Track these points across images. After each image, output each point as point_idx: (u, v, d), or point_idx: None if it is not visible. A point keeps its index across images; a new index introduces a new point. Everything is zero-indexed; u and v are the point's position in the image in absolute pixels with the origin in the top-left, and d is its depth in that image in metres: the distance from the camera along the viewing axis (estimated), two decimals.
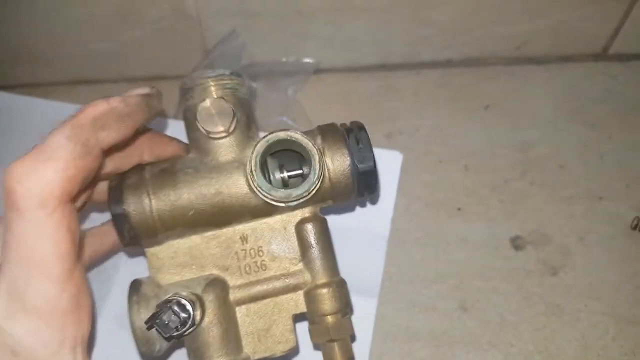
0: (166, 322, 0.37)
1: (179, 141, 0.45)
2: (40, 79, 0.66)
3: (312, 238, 0.42)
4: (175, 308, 0.37)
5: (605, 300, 0.52)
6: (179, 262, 0.42)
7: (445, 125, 0.62)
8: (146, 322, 0.38)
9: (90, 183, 0.36)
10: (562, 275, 0.53)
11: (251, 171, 0.40)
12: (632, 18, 0.60)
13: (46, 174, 0.31)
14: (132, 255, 0.54)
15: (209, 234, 0.42)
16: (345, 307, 0.42)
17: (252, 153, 0.40)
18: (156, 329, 0.37)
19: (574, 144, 0.60)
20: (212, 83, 0.43)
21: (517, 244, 0.55)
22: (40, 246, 0.32)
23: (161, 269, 0.42)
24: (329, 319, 0.41)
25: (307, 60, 0.64)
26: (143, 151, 0.42)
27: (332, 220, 0.55)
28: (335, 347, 0.41)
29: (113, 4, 0.59)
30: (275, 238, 0.43)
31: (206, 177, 0.41)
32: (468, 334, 0.51)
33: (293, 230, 0.43)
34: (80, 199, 0.39)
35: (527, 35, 0.62)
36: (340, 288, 0.42)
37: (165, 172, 0.41)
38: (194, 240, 0.42)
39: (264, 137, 0.41)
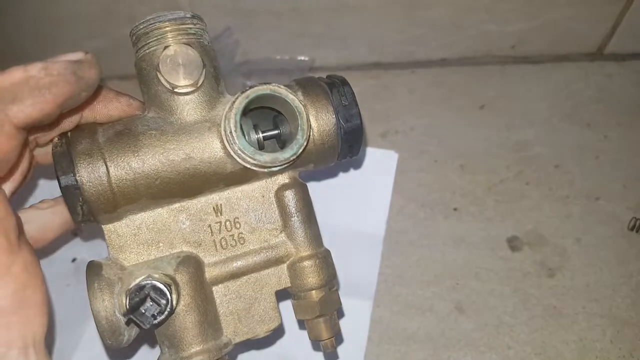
0: (143, 311, 0.33)
1: (131, 97, 0.38)
2: None
3: (293, 206, 0.38)
4: (153, 294, 0.33)
5: (603, 302, 0.51)
6: (143, 239, 0.37)
7: (440, 124, 0.61)
8: (125, 315, 0.34)
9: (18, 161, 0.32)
10: (559, 277, 0.53)
11: (230, 132, 0.35)
12: (628, 18, 0.60)
13: None
14: (86, 237, 0.53)
15: (177, 205, 0.37)
16: (331, 280, 0.39)
17: (231, 110, 0.35)
18: (135, 321, 0.34)
19: (569, 144, 0.59)
20: (172, 27, 0.36)
21: (513, 244, 0.54)
22: None
23: (123, 247, 0.36)
24: (315, 293, 0.38)
25: (301, 58, 0.63)
26: (85, 108, 0.36)
27: (326, 220, 0.54)
28: (322, 322, 0.38)
29: (102, 3, 0.57)
30: (254, 207, 0.38)
31: (173, 139, 0.35)
32: (465, 336, 0.50)
33: (273, 198, 0.39)
34: (13, 179, 0.35)
35: (522, 34, 0.62)
36: (326, 259, 0.39)
37: (123, 134, 0.35)
38: (160, 213, 0.37)
39: (242, 93, 0.35)
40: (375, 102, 0.63)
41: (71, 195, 0.34)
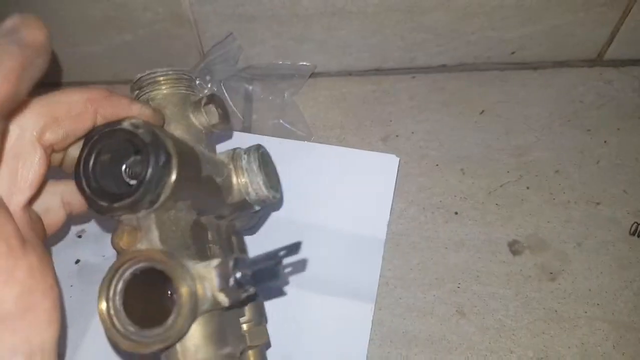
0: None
1: (145, 104, 0.37)
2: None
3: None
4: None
5: (605, 307, 0.51)
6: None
7: (441, 129, 0.61)
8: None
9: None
10: (560, 281, 0.52)
11: None
12: (627, 24, 0.60)
13: None
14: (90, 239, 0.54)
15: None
16: (260, 317, 0.42)
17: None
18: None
19: (569, 149, 0.60)
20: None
21: (514, 248, 0.54)
22: None
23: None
24: (244, 326, 0.40)
25: (303, 63, 0.64)
26: (97, 114, 0.34)
27: (327, 224, 0.54)
28: (251, 356, 0.40)
29: (103, 8, 0.58)
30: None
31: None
32: (466, 340, 0.50)
33: None
34: (24, 187, 0.32)
35: (522, 40, 0.62)
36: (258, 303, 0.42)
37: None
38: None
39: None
40: (376, 106, 0.63)
41: (157, 179, 0.33)
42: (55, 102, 0.32)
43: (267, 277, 0.34)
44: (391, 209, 0.56)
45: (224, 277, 0.32)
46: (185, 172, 0.35)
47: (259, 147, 0.45)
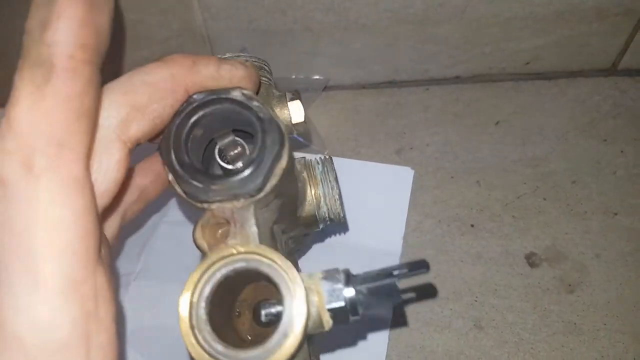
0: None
1: (238, 63, 0.32)
2: None
3: None
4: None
5: (624, 319, 0.51)
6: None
7: (455, 141, 0.61)
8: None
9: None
10: (579, 293, 0.52)
11: None
12: None
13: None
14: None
15: None
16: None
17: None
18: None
19: (586, 159, 0.59)
20: None
21: (532, 261, 0.54)
22: (27, 233, 0.21)
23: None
24: None
25: (316, 77, 0.64)
26: (186, 90, 0.29)
27: (342, 238, 0.54)
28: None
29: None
30: None
31: None
32: (484, 354, 0.49)
33: None
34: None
35: (536, 51, 0.62)
36: None
37: None
38: None
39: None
40: (390, 119, 0.63)
41: (272, 161, 0.29)
42: (133, 85, 0.27)
43: (383, 297, 0.28)
44: (406, 222, 0.55)
45: (334, 293, 0.27)
46: (289, 162, 0.30)
47: (331, 158, 0.41)
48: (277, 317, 0.27)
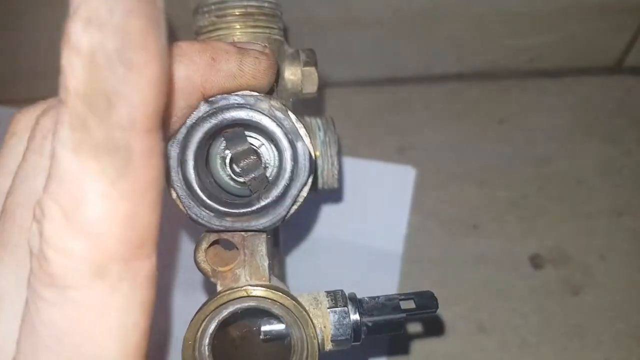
0: None
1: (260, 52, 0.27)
2: (41, 93, 0.65)
3: None
4: None
5: (629, 321, 0.50)
6: None
7: (458, 140, 0.60)
8: None
9: None
10: (583, 295, 0.51)
11: None
12: None
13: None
14: None
15: None
16: None
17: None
18: None
19: (591, 159, 0.58)
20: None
21: (536, 262, 0.53)
22: (93, 343, 0.18)
23: None
24: None
25: None
26: (203, 92, 0.26)
27: (343, 238, 0.53)
28: None
29: None
30: None
31: None
32: (488, 357, 0.49)
33: None
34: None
35: (540, 48, 0.61)
36: None
37: None
38: None
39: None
40: (391, 117, 0.62)
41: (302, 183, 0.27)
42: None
43: (388, 329, 0.28)
44: (408, 222, 0.54)
45: (340, 327, 0.27)
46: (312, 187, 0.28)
47: (332, 121, 0.37)
48: (278, 336, 0.27)
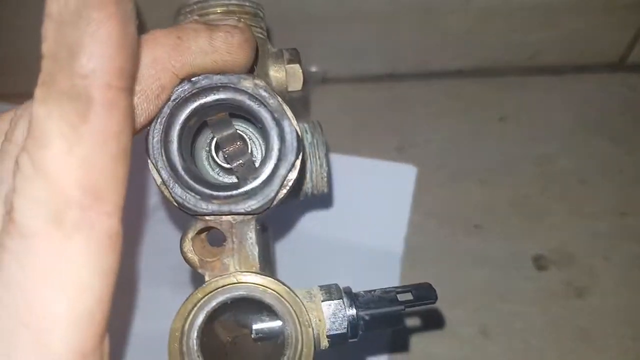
0: None
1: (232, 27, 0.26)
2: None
3: None
4: None
5: (635, 324, 0.49)
6: None
7: (458, 137, 0.59)
8: None
9: None
10: (588, 297, 0.50)
11: None
12: None
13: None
14: None
15: None
16: None
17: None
18: None
19: (593, 158, 0.57)
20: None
21: (540, 263, 0.51)
22: (45, 298, 0.18)
23: None
24: None
25: (313, 69, 0.61)
26: (174, 73, 0.25)
27: (342, 237, 0.52)
28: None
29: None
30: None
31: None
32: None
33: None
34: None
35: (542, 43, 0.60)
36: None
37: None
38: None
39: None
40: (389, 114, 0.61)
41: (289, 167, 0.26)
42: None
43: (386, 323, 0.27)
44: (408, 222, 0.53)
45: (336, 320, 0.26)
46: (300, 169, 0.27)
47: (320, 125, 0.36)
48: (270, 334, 0.26)
